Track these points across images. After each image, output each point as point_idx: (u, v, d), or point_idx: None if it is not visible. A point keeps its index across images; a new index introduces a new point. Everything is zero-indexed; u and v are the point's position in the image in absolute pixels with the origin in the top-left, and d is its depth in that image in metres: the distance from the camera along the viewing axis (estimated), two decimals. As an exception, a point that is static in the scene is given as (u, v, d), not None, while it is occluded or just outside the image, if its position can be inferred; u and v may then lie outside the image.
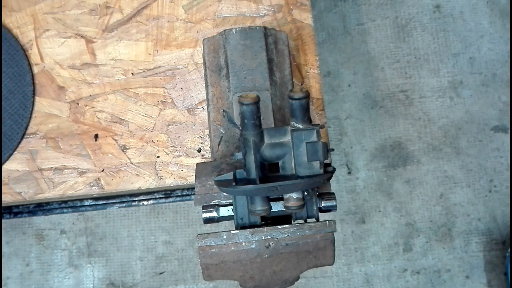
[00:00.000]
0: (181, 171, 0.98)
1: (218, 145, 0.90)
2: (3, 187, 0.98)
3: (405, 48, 1.81)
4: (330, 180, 0.77)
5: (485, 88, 1.78)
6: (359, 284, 1.66)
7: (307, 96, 0.72)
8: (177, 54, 1.03)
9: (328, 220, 0.76)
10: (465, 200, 1.70)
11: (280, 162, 0.74)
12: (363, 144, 1.75)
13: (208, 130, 0.97)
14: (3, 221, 1.60)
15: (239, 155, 0.75)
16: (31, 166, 0.99)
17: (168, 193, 1.10)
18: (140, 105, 1.02)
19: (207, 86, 0.94)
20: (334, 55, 1.81)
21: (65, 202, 1.08)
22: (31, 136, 1.00)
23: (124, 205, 1.09)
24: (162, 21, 1.05)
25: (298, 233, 0.75)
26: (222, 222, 0.79)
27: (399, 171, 1.73)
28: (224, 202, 0.79)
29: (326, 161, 0.74)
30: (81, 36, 1.04)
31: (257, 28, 0.93)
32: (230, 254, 0.75)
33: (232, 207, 0.78)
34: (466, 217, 1.69)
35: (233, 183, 0.73)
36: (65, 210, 1.09)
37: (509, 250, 1.61)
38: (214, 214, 0.78)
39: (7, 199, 0.98)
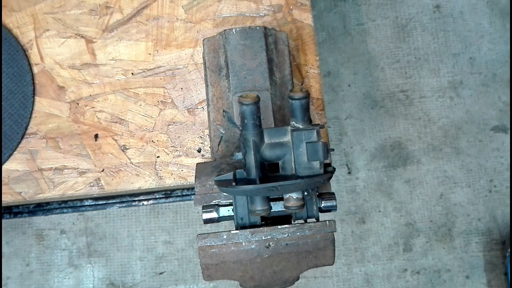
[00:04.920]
0: (181, 171, 0.98)
1: (218, 145, 0.90)
2: (3, 187, 0.98)
3: (405, 48, 1.81)
4: (330, 180, 0.77)
5: (485, 88, 1.78)
6: (359, 284, 1.66)
7: (307, 96, 0.72)
8: (177, 54, 1.03)
9: (328, 220, 0.76)
10: (465, 200, 1.70)
11: (280, 162, 0.74)
12: (363, 144, 1.75)
13: (208, 130, 0.97)
14: (3, 221, 1.60)
15: (239, 155, 0.75)
16: (31, 166, 0.99)
17: (168, 193, 1.10)
18: (140, 105, 1.02)
19: (207, 86, 0.94)
20: (334, 55, 1.81)
21: (65, 202, 1.08)
22: (31, 136, 1.00)
23: (124, 205, 1.10)
24: (162, 21, 1.05)
25: (298, 233, 0.75)
26: (222, 222, 0.79)
27: (399, 171, 1.73)
28: (224, 202, 0.79)
29: (326, 161, 0.74)
30: (81, 36, 1.04)
31: (257, 28, 0.93)
32: (230, 254, 0.75)
33: (232, 207, 0.78)
34: (466, 217, 1.69)
35: (233, 183, 0.73)
36: (65, 210, 1.09)
37: (509, 250, 1.61)
38: (214, 214, 0.78)
39: (7, 199, 0.98)
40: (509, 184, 1.70)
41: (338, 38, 1.82)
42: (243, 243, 0.75)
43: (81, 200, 1.09)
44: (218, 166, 0.83)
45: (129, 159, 0.99)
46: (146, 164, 0.99)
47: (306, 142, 0.72)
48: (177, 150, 0.99)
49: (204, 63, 0.95)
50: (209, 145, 0.98)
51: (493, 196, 1.70)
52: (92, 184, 0.98)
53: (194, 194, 0.80)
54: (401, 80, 1.79)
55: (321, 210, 0.78)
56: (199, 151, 0.99)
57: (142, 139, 1.00)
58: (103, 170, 0.99)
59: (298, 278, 0.79)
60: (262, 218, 0.78)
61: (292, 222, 0.79)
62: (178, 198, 1.10)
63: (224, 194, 0.79)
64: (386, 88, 1.78)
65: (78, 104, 1.02)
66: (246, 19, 1.05)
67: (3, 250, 1.65)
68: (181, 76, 1.03)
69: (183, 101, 1.02)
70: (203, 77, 1.00)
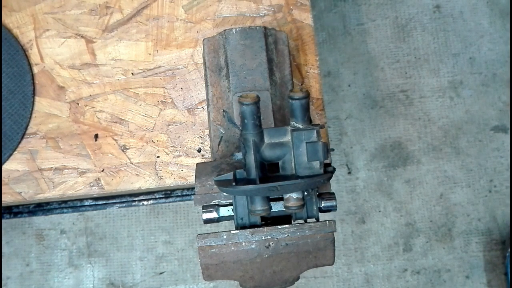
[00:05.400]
0: (181, 171, 0.98)
1: (218, 145, 0.90)
2: (3, 187, 0.98)
3: (405, 48, 1.81)
4: (330, 180, 0.77)
5: (485, 88, 1.78)
6: (359, 284, 1.66)
7: (307, 96, 0.72)
8: (177, 54, 1.03)
9: (328, 220, 0.76)
10: (465, 200, 1.70)
11: (280, 162, 0.74)
12: (363, 144, 1.75)
13: (208, 130, 0.97)
14: (3, 221, 1.60)
15: (239, 155, 0.75)
16: (31, 166, 0.99)
17: (168, 193, 1.10)
18: (140, 105, 1.02)
19: (207, 86, 0.94)
20: (334, 55, 1.81)
21: (65, 202, 1.08)
22: (31, 136, 1.00)
23: (124, 205, 1.10)
24: (162, 21, 1.05)
25: (298, 233, 0.75)
26: (222, 222, 0.79)
27: (399, 171, 1.73)
28: (224, 202, 0.79)
29: (326, 161, 0.74)
30: (81, 36, 1.04)
31: (257, 28, 0.93)
32: (230, 254, 0.75)
33: (232, 207, 0.78)
34: (466, 217, 1.69)
35: (233, 183, 0.73)
36: (65, 210, 1.09)
37: (509, 250, 1.61)
38: (214, 214, 0.78)
39: (7, 199, 0.98)
40: (509, 184, 1.70)
41: (338, 38, 1.82)
42: (243, 243, 0.75)
43: (81, 200, 1.09)
44: (218, 166, 0.83)
45: (129, 159, 0.99)
46: (146, 164, 0.99)
47: (306, 142, 0.72)
48: (177, 150, 0.99)
49: (204, 63, 0.95)
50: (209, 145, 0.97)
51: (493, 196, 1.70)
52: (92, 184, 0.98)
53: (194, 194, 0.80)
54: (401, 80, 1.79)
55: (321, 210, 0.78)
56: (199, 151, 0.99)
57: (142, 139, 1.00)
58: (103, 170, 0.99)
59: (298, 278, 0.79)
60: (262, 218, 0.78)
61: (292, 222, 0.79)
62: (178, 198, 1.10)
63: (224, 194, 0.79)
64: (386, 88, 1.78)
65: (78, 104, 1.02)
66: (246, 19, 1.05)
67: (3, 250, 1.65)
68: (181, 76, 1.03)
69: (183, 101, 1.02)
70: (203, 77, 1.00)
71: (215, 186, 0.77)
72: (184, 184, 0.99)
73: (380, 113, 1.76)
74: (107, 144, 1.00)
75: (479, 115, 1.76)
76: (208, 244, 0.75)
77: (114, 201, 1.09)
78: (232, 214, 0.78)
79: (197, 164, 0.85)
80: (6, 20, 1.04)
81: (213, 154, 0.91)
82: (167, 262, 1.66)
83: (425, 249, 1.68)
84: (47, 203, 1.08)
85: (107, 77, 1.03)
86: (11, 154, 0.99)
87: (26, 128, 1.00)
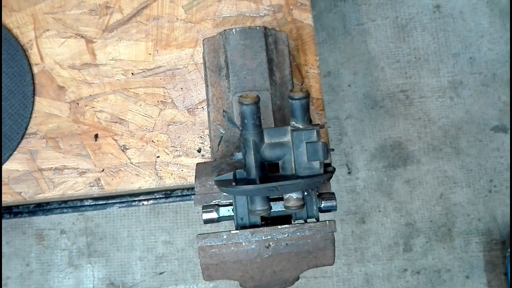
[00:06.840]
0: (181, 171, 0.98)
1: (218, 145, 0.90)
2: (3, 187, 0.98)
3: (405, 48, 1.81)
4: (330, 180, 0.77)
5: (485, 88, 1.78)
6: (359, 284, 1.66)
7: (307, 96, 0.72)
8: (177, 54, 1.03)
9: (328, 220, 0.76)
10: (465, 200, 1.70)
11: (280, 162, 0.74)
12: (363, 144, 1.75)
13: (208, 130, 0.97)
14: (3, 221, 1.60)
15: (239, 155, 0.75)
16: (31, 166, 0.99)
17: (168, 193, 1.10)
18: (140, 105, 1.02)
19: (207, 86, 0.94)
20: (334, 55, 1.81)
21: (65, 202, 1.08)
22: (31, 136, 1.00)
23: (124, 205, 1.10)
24: (162, 21, 1.05)
25: (298, 233, 0.75)
26: (222, 222, 0.79)
27: (399, 171, 1.73)
28: (224, 202, 0.79)
29: (326, 161, 0.74)
30: (81, 36, 1.04)
31: (257, 28, 0.93)
32: (230, 254, 0.75)
33: (232, 207, 0.78)
34: (466, 217, 1.69)
35: (233, 183, 0.73)
36: (65, 210, 1.09)
37: (509, 250, 1.61)
38: (214, 214, 0.78)
39: (7, 199, 0.98)
40: (509, 184, 1.70)
41: (338, 38, 1.82)
42: (243, 243, 0.75)
43: (81, 200, 1.09)
44: (218, 166, 0.83)
45: (129, 159, 0.99)
46: (146, 164, 0.99)
47: (306, 142, 0.72)
48: (177, 150, 0.99)
49: (204, 63, 0.95)
50: (209, 145, 0.98)
51: (493, 196, 1.70)
52: (92, 184, 0.98)
53: (194, 194, 0.80)
54: (401, 80, 1.79)
55: (321, 210, 0.78)
56: (199, 151, 0.99)
57: (142, 139, 1.00)
58: (103, 170, 0.99)
59: (298, 278, 0.79)
60: (262, 218, 0.78)
61: (292, 222, 0.79)
62: (178, 198, 1.10)
63: (224, 194, 0.79)
64: (386, 88, 1.78)
65: (78, 104, 1.02)
66: (246, 19, 1.05)
67: (3, 250, 1.65)
68: (181, 76, 1.03)
69: (183, 101, 1.02)
70: (203, 77, 1.00)
71: (215, 186, 0.77)
72: (184, 184, 0.99)
73: (380, 113, 1.76)
74: (107, 144, 1.00)
75: (479, 115, 1.76)
76: (208, 244, 0.75)
77: (114, 201, 1.09)
78: (232, 214, 0.78)
79: (197, 164, 0.85)
80: (6, 20, 1.04)
81: (213, 154, 0.91)
82: (167, 262, 1.66)
83: (425, 249, 1.68)
84: (47, 203, 1.08)
85: (107, 77, 1.03)
86: (11, 154, 0.99)
87: (26, 128, 1.00)
